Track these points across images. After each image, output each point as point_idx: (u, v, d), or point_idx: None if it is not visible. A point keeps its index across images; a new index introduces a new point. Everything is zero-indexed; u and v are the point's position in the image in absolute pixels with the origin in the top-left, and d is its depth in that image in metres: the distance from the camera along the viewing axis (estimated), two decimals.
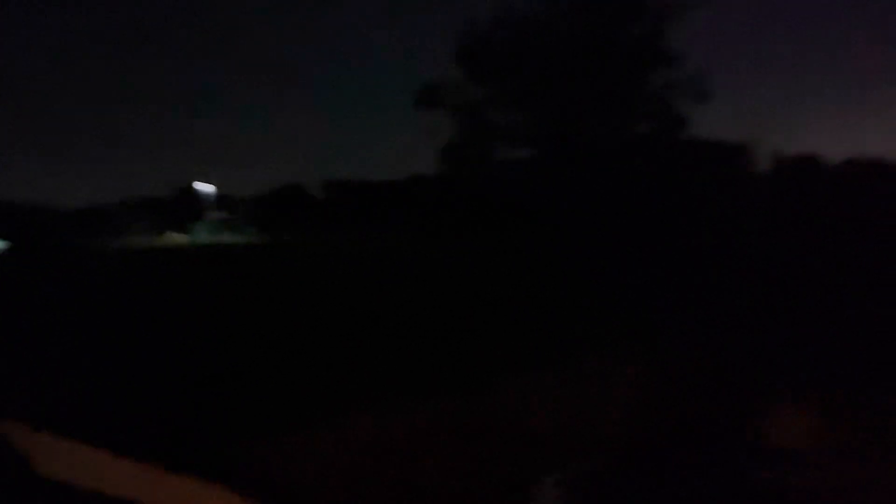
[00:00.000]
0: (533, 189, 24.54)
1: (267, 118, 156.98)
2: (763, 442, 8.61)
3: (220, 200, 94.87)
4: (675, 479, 7.93)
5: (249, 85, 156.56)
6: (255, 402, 8.43)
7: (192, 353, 10.96)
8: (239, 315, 15.06)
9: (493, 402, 8.53)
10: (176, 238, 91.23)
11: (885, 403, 8.66)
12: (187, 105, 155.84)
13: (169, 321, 14.59)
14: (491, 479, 8.43)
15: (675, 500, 6.03)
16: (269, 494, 6.74)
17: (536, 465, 8.65)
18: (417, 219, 33.49)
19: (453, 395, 8.49)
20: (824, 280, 14.53)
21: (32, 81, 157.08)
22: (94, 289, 23.22)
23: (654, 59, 24.87)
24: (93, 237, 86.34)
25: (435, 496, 7.71)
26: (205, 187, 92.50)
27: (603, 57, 24.70)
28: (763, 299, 13.43)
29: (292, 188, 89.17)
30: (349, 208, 62.40)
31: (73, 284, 25.70)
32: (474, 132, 26.18)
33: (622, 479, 8.03)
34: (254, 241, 76.74)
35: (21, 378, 9.60)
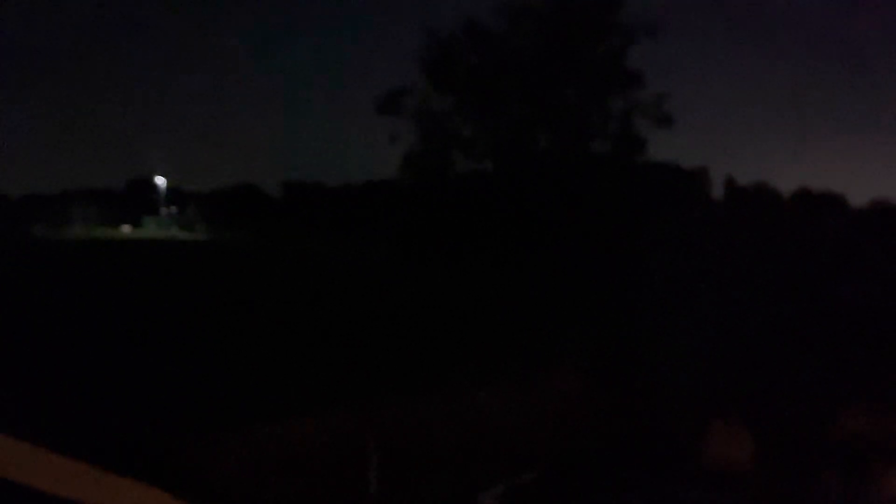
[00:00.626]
0: (490, 202, 24.55)
1: (226, 115, 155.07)
2: (700, 463, 8.68)
3: (172, 195, 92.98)
4: (611, 495, 7.93)
5: (210, 81, 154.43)
6: (193, 401, 8.18)
7: (132, 350, 10.63)
8: (179, 314, 14.67)
9: (434, 415, 8.42)
10: (126, 231, 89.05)
11: (821, 428, 8.80)
12: (145, 96, 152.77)
13: (110, 317, 14.16)
14: (431, 491, 8.31)
15: None
16: (204, 497, 6.56)
17: (475, 478, 8.59)
18: (373, 225, 33.29)
19: (393, 405, 8.36)
20: (769, 307, 14.82)
21: None
22: (36, 281, 22.41)
23: (618, 80, 25.15)
24: (41, 226, 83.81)
25: None
26: (158, 181, 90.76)
27: (567, 74, 24.91)
28: (707, 323, 13.61)
29: (247, 187, 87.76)
30: (305, 211, 61.77)
31: (13, 275, 24.74)
32: (436, 141, 26.09)
33: (559, 493, 8.00)
34: (204, 239, 75.37)
35: None
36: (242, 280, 22.60)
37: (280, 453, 7.07)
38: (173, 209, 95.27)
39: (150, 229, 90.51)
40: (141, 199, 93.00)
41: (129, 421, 7.57)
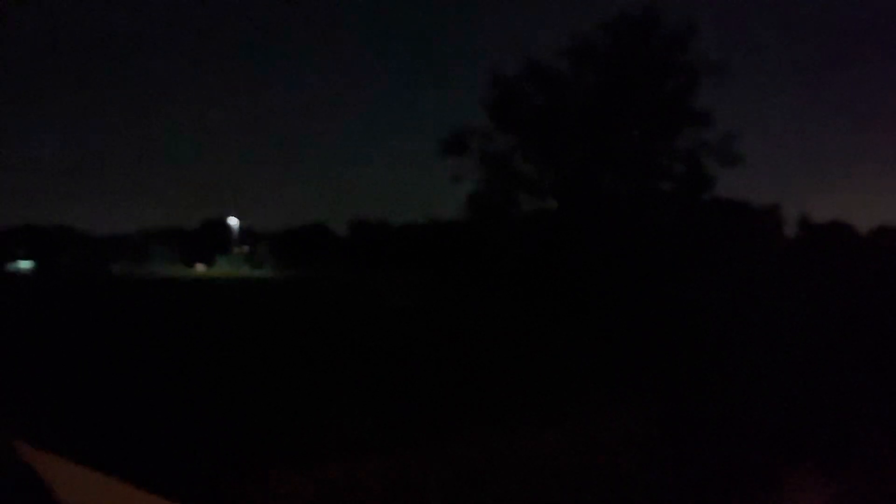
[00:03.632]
0: (555, 240, 24.39)
1: (295, 157, 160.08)
2: None
3: (244, 234, 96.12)
4: None
5: (280, 123, 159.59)
6: (259, 434, 8.31)
7: (207, 386, 10.86)
8: (246, 348, 14.98)
9: (495, 455, 8.31)
10: (201, 269, 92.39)
11: None
12: (218, 140, 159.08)
13: (182, 352, 14.58)
14: None
15: None
16: None
17: None
18: (437, 263, 33.45)
19: (456, 444, 8.30)
20: (846, 348, 14.17)
21: (72, 108, 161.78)
22: (113, 314, 23.37)
23: (683, 119, 24.83)
24: (120, 263, 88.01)
25: None
26: (231, 221, 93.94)
27: (631, 113, 24.73)
28: (781, 363, 13.10)
29: (316, 226, 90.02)
30: (370, 249, 62.75)
31: (92, 309, 25.94)
32: (499, 181, 26.17)
33: None
34: (274, 276, 77.37)
35: (41, 400, 9.58)
36: (307, 316, 22.97)
37: (342, 494, 7.08)
38: (245, 248, 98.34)
39: (223, 267, 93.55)
40: (214, 238, 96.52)
41: (189, 453, 7.73)
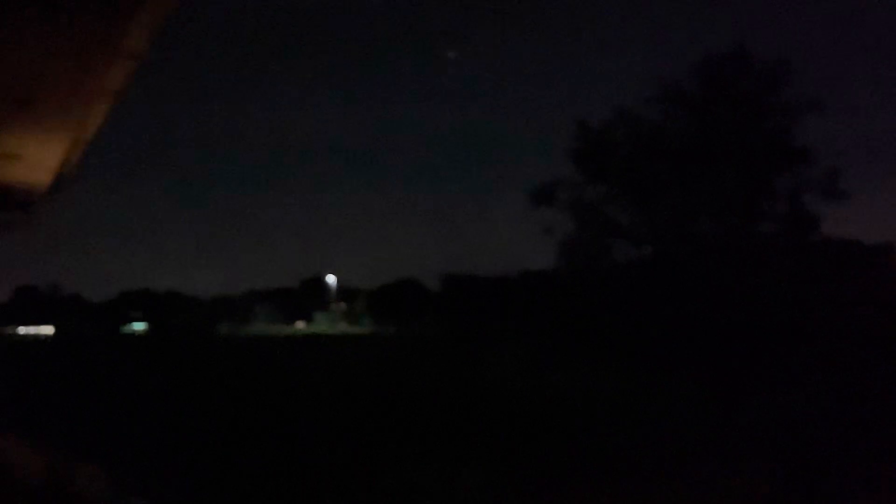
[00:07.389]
0: (652, 289, 23.76)
1: (387, 213, 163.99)
2: None
3: (341, 292, 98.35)
4: None
5: (371, 181, 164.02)
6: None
7: (313, 442, 11.00)
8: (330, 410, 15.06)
9: None
10: (300, 327, 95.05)
11: None
12: (314, 200, 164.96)
13: (287, 409, 14.94)
14: None
15: None
16: None
17: None
18: (530, 314, 33.10)
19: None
20: None
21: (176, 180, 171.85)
22: (221, 373, 24.33)
23: (782, 158, 24.04)
24: (226, 323, 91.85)
25: None
26: (329, 279, 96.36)
27: (727, 155, 24.12)
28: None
29: (408, 281, 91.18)
30: (463, 301, 62.95)
31: (201, 368, 27.10)
32: (591, 230, 25.90)
33: None
34: (369, 332, 78.62)
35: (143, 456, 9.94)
36: (395, 373, 23.05)
37: None
38: (342, 305, 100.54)
39: (321, 324, 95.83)
40: (313, 296, 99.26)
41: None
